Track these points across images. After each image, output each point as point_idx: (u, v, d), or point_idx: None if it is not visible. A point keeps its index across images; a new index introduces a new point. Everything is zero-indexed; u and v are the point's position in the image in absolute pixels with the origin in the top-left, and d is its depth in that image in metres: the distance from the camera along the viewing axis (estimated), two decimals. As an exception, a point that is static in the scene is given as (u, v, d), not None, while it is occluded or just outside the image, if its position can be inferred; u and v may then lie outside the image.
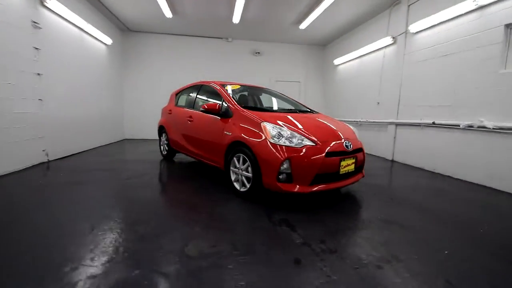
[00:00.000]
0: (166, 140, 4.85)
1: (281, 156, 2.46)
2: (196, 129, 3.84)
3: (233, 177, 3.03)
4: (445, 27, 4.38)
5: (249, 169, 2.73)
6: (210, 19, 6.81)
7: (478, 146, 3.84)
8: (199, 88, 4.20)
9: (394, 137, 5.58)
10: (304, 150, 2.50)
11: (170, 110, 4.75)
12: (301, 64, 9.01)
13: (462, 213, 2.71)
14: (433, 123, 4.54)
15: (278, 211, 2.56)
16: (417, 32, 4.98)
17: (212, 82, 3.97)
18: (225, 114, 3.25)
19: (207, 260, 1.67)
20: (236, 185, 2.97)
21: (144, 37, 8.06)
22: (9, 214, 2.35)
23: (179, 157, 5.19)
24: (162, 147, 5.14)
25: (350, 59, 7.35)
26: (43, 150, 4.35)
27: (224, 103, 3.35)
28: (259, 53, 8.55)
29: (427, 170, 4.67)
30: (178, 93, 4.89)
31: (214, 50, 8.40)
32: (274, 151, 2.50)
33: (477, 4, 3.76)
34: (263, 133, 2.65)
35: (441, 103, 4.48)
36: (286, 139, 2.54)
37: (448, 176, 4.26)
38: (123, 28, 7.66)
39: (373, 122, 6.27)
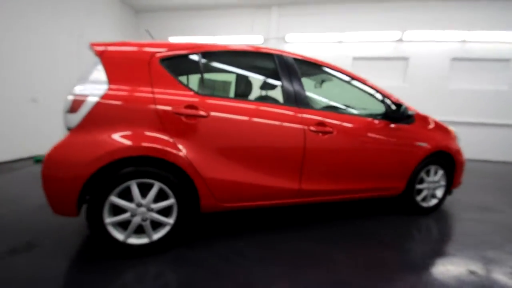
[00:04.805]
0: (180, 197, 1.62)
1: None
2: (345, 148, 2.09)
3: (419, 197, 2.49)
4: (316, 46, 6.10)
5: (442, 178, 2.56)
6: None
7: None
8: (291, 63, 2.05)
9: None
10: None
11: (196, 108, 1.62)
12: (117, 27, 6.00)
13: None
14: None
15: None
16: (291, 42, 6.17)
17: (324, 62, 2.31)
18: (404, 118, 2.32)
19: None
20: (422, 203, 2.52)
21: None
22: None
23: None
24: (116, 230, 1.54)
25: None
26: None
27: (388, 100, 2.32)
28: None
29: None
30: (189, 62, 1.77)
31: None
32: (462, 152, 2.69)
33: (340, 41, 5.87)
34: (451, 136, 2.61)
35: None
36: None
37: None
38: None
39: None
